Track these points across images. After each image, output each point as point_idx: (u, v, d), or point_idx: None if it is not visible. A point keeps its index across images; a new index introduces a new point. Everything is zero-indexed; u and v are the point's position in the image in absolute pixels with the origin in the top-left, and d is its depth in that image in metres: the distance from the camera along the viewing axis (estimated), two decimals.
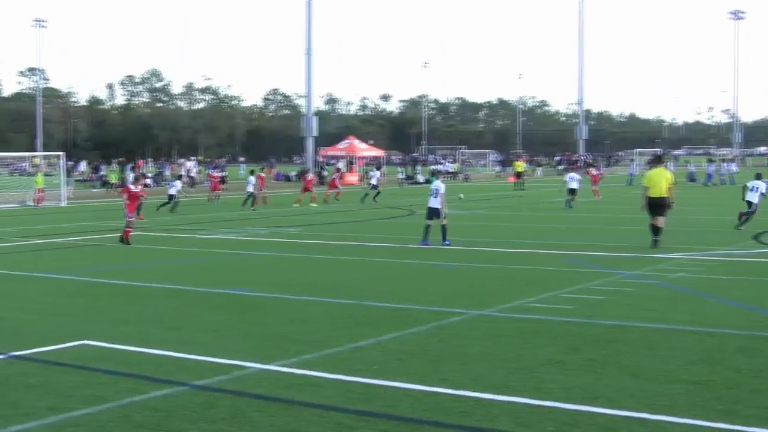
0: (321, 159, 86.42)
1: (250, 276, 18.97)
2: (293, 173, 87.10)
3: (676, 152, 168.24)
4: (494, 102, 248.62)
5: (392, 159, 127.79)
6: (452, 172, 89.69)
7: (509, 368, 10.40)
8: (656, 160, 26.26)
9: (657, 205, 23.40)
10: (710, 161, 76.61)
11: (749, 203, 29.14)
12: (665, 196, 23.36)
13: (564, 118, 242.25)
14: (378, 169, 59.50)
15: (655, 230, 23.31)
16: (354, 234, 28.88)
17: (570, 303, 14.84)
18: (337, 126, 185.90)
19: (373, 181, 51.96)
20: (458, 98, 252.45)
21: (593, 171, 54.19)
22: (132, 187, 26.37)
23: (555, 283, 17.18)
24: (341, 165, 75.54)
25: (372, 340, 12.03)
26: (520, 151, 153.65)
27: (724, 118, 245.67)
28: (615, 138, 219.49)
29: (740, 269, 19.23)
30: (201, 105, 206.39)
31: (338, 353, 11.31)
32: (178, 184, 44.80)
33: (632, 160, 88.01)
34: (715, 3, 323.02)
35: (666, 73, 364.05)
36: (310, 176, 51.45)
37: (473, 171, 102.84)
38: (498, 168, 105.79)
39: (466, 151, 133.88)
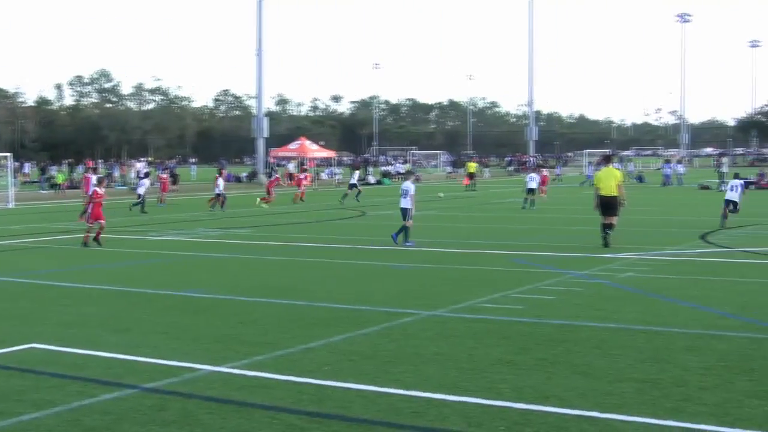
0: (272, 160, 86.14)
1: (201, 277, 18.85)
2: (244, 174, 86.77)
3: (625, 153, 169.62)
4: (445, 103, 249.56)
5: (343, 160, 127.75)
6: (403, 173, 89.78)
7: (460, 368, 10.43)
8: (605, 160, 26.68)
9: (608, 205, 23.70)
10: (667, 162, 77.27)
11: (730, 202, 29.93)
12: (615, 194, 23.65)
13: (514, 119, 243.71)
14: (357, 169, 59.94)
15: (606, 228, 23.64)
16: (305, 235, 28.82)
17: (520, 303, 14.92)
18: (288, 127, 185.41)
19: (353, 181, 52.44)
20: (409, 99, 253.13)
21: (544, 172, 54.77)
22: (98, 190, 25.96)
23: (505, 283, 17.26)
24: (291, 166, 75.41)
25: (323, 341, 12.01)
26: (471, 152, 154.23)
27: (671, 120, 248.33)
28: (565, 139, 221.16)
29: (687, 269, 19.44)
30: (151, 106, 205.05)
31: (289, 354, 11.28)
32: (146, 183, 44.88)
33: (590, 162, 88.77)
34: (663, 6, 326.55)
35: (615, 75, 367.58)
36: (275, 176, 51.80)
37: (424, 172, 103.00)
38: (449, 169, 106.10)
39: (417, 152, 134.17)
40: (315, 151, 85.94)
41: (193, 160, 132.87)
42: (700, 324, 13.06)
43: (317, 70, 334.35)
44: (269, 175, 56.66)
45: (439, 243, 25.25)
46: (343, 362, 10.81)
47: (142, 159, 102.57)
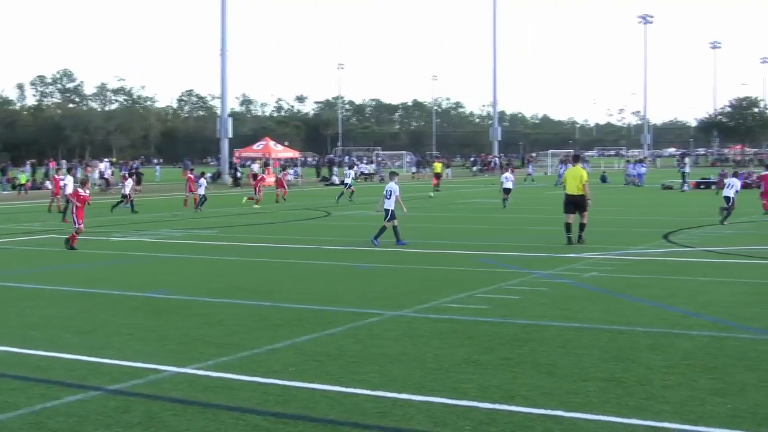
0: (236, 160, 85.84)
1: (165, 278, 18.76)
2: (209, 175, 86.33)
3: (589, 153, 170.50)
4: (409, 103, 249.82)
5: (308, 160, 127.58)
6: (368, 174, 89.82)
7: (426, 368, 10.45)
8: (573, 160, 27.49)
9: (573, 203, 24.29)
10: (639, 161, 77.66)
11: (727, 199, 31.36)
12: (582, 193, 24.22)
13: (478, 120, 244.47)
14: (350, 168, 60.52)
15: (569, 228, 24.17)
16: (270, 236, 28.75)
17: (485, 303, 14.96)
18: (252, 127, 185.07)
19: (348, 180, 52.96)
20: (373, 100, 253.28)
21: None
22: (81, 191, 25.53)
23: (471, 283, 17.30)
24: (256, 167, 75.14)
25: (288, 342, 11.99)
26: (436, 152, 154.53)
27: (634, 120, 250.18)
28: (529, 139, 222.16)
29: (651, 268, 19.57)
30: (114, 106, 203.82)
31: (255, 355, 11.24)
32: (130, 182, 44.89)
33: (562, 161, 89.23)
34: (625, 7, 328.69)
35: (578, 76, 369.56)
36: (261, 175, 52.49)
37: (389, 172, 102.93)
38: (414, 169, 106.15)
39: (382, 152, 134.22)
40: (279, 151, 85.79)
41: (157, 160, 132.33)
42: (664, 323, 13.16)
43: (281, 71, 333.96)
44: (254, 176, 56.98)
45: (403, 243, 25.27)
46: (309, 363, 10.79)
47: (106, 159, 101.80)
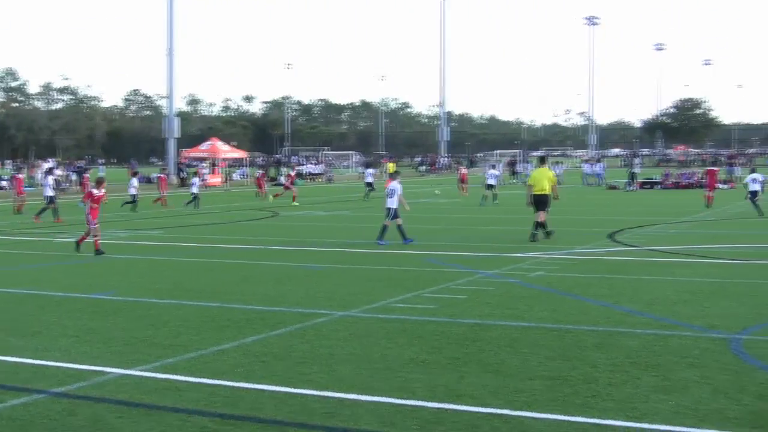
0: (183, 160, 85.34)
1: (111, 280, 18.58)
2: (154, 175, 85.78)
3: (535, 153, 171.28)
4: (357, 104, 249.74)
5: (256, 161, 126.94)
6: (315, 174, 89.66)
7: (373, 368, 10.46)
8: (541, 161, 28.78)
9: (540, 201, 25.65)
10: (597, 161, 78.23)
11: (754, 192, 36.25)
12: (548, 193, 25.75)
13: (426, 120, 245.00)
14: (368, 166, 61.84)
15: (537, 225, 25.38)
16: (217, 236, 28.60)
17: (433, 303, 15.01)
18: (199, 127, 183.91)
19: (369, 179, 54.66)
20: (321, 100, 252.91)
21: (463, 170, 57.15)
22: (95, 191, 24.52)
23: (418, 283, 17.35)
24: (204, 169, 74.86)
25: (235, 343, 11.95)
26: (384, 152, 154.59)
27: (580, 120, 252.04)
28: (476, 139, 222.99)
29: (596, 267, 19.75)
30: (59, 105, 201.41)
31: (201, 357, 11.19)
32: (135, 181, 45.64)
33: (529, 161, 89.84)
34: (572, 8, 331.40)
35: (525, 77, 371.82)
36: (260, 173, 54.72)
37: (336, 173, 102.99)
38: (361, 169, 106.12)
39: (330, 152, 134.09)
40: (227, 151, 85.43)
41: (102, 161, 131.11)
42: (608, 321, 13.29)
43: (229, 70, 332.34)
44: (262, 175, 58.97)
45: (352, 244, 25.28)
46: (256, 364, 10.77)
47: (50, 160, 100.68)
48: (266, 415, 8.61)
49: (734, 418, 8.43)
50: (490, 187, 44.62)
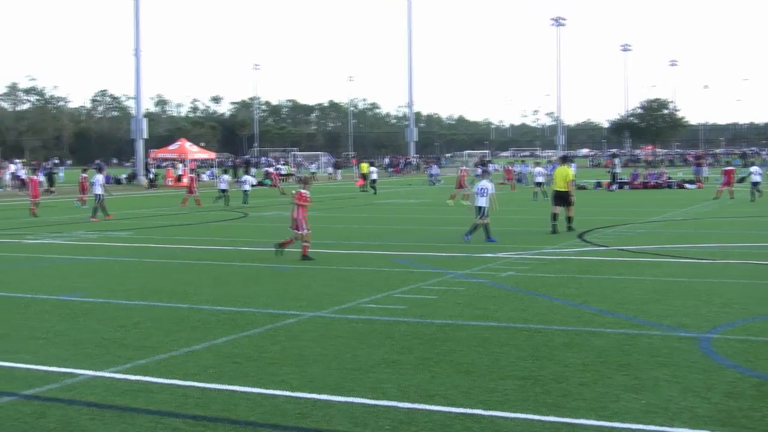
0: (152, 161, 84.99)
1: (80, 281, 18.47)
2: (123, 176, 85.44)
3: (504, 153, 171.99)
4: (325, 104, 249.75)
5: (224, 162, 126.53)
6: (284, 175, 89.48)
7: (345, 369, 10.47)
8: (562, 160, 31.12)
9: (560, 197, 28.20)
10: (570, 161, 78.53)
11: (755, 183, 46.19)
12: (567, 190, 28.14)
13: (394, 120, 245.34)
14: (372, 165, 67.15)
15: (555, 217, 27.80)
16: (186, 237, 28.50)
17: (403, 303, 15.03)
18: (167, 128, 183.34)
19: (374, 176, 60.92)
20: (289, 100, 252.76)
21: (463, 170, 58.10)
22: (304, 191, 21.96)
23: (388, 283, 17.36)
24: (177, 168, 74.52)
25: (206, 344, 11.92)
26: (352, 153, 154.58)
27: (548, 121, 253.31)
28: (444, 140, 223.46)
29: (566, 267, 19.84)
30: (26, 106, 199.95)
31: (172, 358, 11.15)
32: (226, 177, 49.02)
33: (522, 161, 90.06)
34: (539, 10, 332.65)
35: (493, 77, 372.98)
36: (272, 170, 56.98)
37: (306, 173, 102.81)
38: (330, 170, 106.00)
39: (299, 153, 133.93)
40: (195, 152, 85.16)
41: (57, 161, 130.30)
42: (579, 321, 13.37)
43: (197, 71, 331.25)
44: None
45: (322, 244, 25.24)
46: (227, 365, 10.74)
47: (16, 161, 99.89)
48: (239, 417, 8.59)
49: (704, 416, 8.50)
50: (539, 184, 49.02)
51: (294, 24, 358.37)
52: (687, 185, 62.10)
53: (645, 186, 62.06)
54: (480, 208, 25.57)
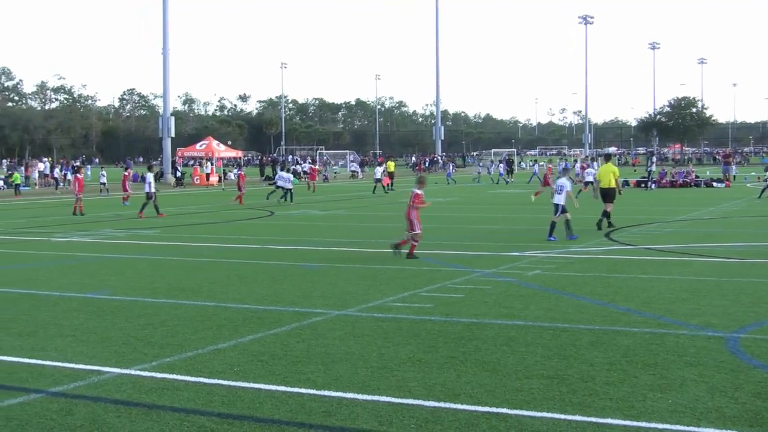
0: (179, 160, 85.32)
1: (107, 279, 18.56)
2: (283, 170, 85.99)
3: (531, 152, 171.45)
4: (352, 103, 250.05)
5: (251, 160, 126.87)
6: (560, 169, 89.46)
7: (371, 367, 10.46)
8: (606, 158, 32.64)
9: (606, 194, 29.12)
10: (593, 160, 78.09)
11: None
12: (613, 186, 29.34)
13: (421, 119, 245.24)
14: (381, 165, 66.83)
15: (604, 214, 28.73)
16: (213, 235, 28.59)
17: (429, 302, 15.01)
18: (194, 126, 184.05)
19: (378, 175, 60.60)
20: (316, 99, 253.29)
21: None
22: (418, 191, 21.83)
23: (414, 282, 17.34)
24: (200, 166, 74.73)
25: (232, 342, 11.95)
26: (379, 151, 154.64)
27: (575, 119, 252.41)
28: (471, 138, 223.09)
29: (592, 266, 19.76)
30: (54, 105, 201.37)
31: (198, 356, 11.18)
32: (286, 175, 49.14)
33: (543, 160, 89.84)
34: (567, 8, 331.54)
35: (521, 75, 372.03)
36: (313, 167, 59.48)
37: (331, 172, 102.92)
38: (354, 167, 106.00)
39: (325, 151, 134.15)
40: (222, 150, 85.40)
41: (81, 160, 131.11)
42: (605, 320, 13.31)
43: (224, 69, 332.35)
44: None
45: (348, 243, 25.26)
46: (253, 363, 10.76)
47: (44, 159, 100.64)
48: (264, 415, 8.61)
49: (731, 417, 8.44)
50: (588, 183, 49.67)
51: (321, 22, 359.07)
52: (715, 184, 61.73)
53: (673, 185, 61.74)
54: (557, 205, 25.60)
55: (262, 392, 9.41)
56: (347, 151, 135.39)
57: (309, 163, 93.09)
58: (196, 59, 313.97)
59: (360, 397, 9.17)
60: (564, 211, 25.46)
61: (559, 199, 25.58)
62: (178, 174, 78.54)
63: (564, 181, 25.95)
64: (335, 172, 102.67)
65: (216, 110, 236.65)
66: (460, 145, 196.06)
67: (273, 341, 12.04)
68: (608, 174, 29.41)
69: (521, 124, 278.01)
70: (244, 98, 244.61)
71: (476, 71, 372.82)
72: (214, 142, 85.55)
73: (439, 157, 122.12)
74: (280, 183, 48.88)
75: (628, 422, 8.27)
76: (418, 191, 21.82)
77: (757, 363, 10.57)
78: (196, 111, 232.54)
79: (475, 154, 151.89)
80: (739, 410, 8.65)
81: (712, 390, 9.35)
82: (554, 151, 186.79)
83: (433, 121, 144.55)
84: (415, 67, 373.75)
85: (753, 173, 71.23)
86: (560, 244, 23.85)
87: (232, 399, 9.17)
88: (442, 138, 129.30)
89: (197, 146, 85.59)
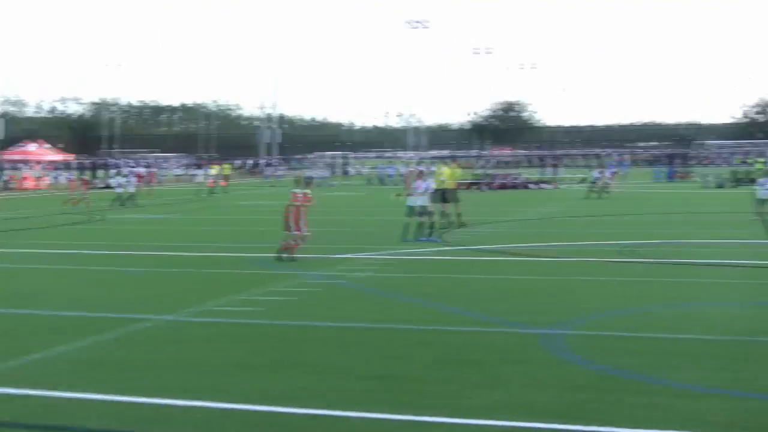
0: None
1: None
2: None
3: (367, 155, 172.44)
4: (188, 104, 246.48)
5: (83, 163, 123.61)
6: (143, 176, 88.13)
7: (196, 373, 10.34)
8: (450, 161, 34.77)
9: (446, 195, 29.43)
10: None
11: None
12: (455, 187, 30.67)
13: (257, 123, 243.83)
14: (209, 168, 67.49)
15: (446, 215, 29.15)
16: (37, 241, 27.68)
17: (259, 305, 14.93)
18: (24, 128, 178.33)
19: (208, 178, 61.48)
20: (147, 101, 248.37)
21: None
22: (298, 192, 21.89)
23: (244, 285, 17.23)
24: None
25: (57, 350, 11.62)
26: (214, 154, 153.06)
27: (411, 122, 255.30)
28: (306, 141, 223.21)
29: (422, 267, 20.07)
30: None
31: (22, 365, 10.83)
32: (119, 179, 48.39)
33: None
34: (395, 12, 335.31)
35: (354, 79, 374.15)
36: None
37: (162, 175, 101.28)
38: (191, 171, 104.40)
39: (156, 154, 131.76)
40: (42, 154, 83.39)
41: None
42: (433, 320, 13.53)
43: (52, 71, 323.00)
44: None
45: (178, 247, 24.93)
46: (77, 371, 10.49)
47: None
48: (92, 425, 8.39)
49: (544, 411, 8.68)
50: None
51: (150, 23, 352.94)
52: (544, 185, 63.54)
53: (503, 186, 63.20)
54: (412, 207, 25.93)
55: (85, 401, 9.17)
56: (179, 154, 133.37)
57: (143, 167, 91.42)
58: (24, 61, 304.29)
59: (184, 402, 9.04)
60: (424, 212, 25.80)
61: (415, 201, 25.93)
62: (5, 178, 75.83)
63: (421, 183, 26.31)
64: (163, 176, 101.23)
65: (46, 113, 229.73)
66: (296, 148, 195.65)
67: (97, 348, 11.77)
68: (451, 176, 30.56)
69: (357, 128, 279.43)
70: (71, 100, 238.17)
71: (312, 76, 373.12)
72: (33, 145, 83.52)
73: (273, 160, 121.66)
74: (114, 185, 48.29)
75: (451, 420, 8.41)
76: (308, 191, 22.00)
77: (570, 357, 10.96)
78: (25, 113, 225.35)
79: (310, 156, 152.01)
80: (552, 404, 8.92)
81: (529, 385, 9.64)
82: (389, 154, 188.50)
83: (267, 125, 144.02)
84: (251, 69, 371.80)
85: (579, 175, 73.37)
86: (394, 245, 24.07)
87: (55, 409, 8.91)
88: (279, 141, 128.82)
89: (21, 149, 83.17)
